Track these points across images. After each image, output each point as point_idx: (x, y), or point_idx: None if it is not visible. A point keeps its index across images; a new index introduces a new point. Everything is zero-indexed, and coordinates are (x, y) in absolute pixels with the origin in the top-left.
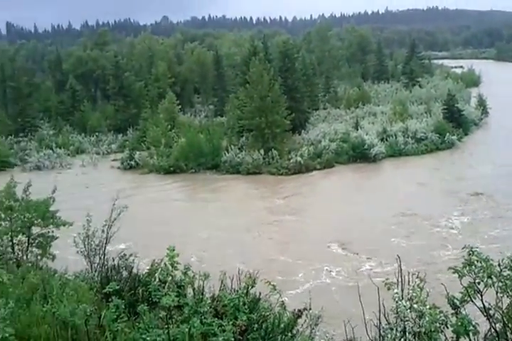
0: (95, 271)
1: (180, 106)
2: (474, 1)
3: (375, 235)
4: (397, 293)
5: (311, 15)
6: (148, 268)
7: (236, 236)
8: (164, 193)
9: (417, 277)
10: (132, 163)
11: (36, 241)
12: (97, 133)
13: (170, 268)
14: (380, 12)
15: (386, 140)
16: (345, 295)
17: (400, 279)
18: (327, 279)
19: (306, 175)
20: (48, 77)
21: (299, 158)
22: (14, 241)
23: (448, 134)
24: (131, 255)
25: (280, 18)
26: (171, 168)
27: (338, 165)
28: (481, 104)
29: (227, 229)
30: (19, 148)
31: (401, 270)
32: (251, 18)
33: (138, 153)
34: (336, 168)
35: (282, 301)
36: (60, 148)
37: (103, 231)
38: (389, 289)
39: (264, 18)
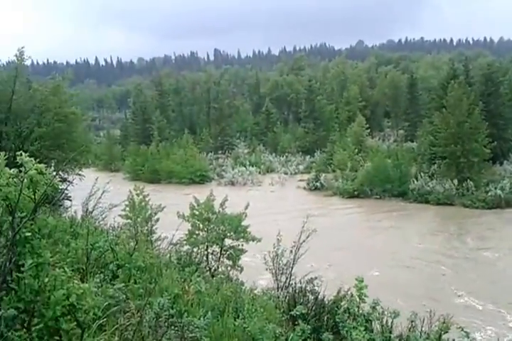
0: (281, 290)
1: (368, 130)
2: None
3: None
4: None
5: None
6: (333, 295)
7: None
8: (345, 217)
9: None
10: (318, 184)
11: (227, 252)
12: (286, 154)
13: (357, 299)
14: None
15: None
16: None
17: None
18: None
19: (506, 211)
20: (246, 100)
21: (499, 191)
22: (209, 251)
23: None
24: (315, 278)
25: (485, 38)
26: (355, 192)
27: None
28: None
29: (389, 264)
30: (217, 164)
31: None
32: (451, 40)
33: (323, 174)
34: None
35: None
36: (252, 166)
37: (291, 251)
38: None
39: (467, 39)
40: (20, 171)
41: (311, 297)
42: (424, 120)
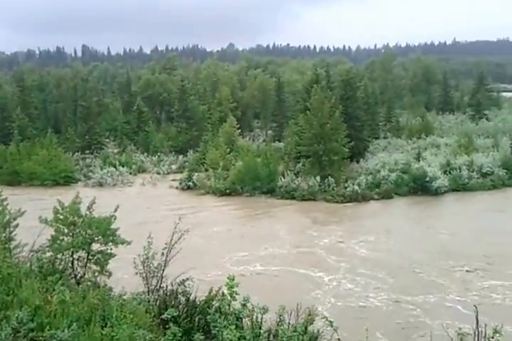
0: (152, 294)
1: (239, 130)
2: None
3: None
4: None
5: (375, 45)
6: (205, 295)
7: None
8: (216, 215)
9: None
10: (190, 183)
11: (95, 257)
12: (159, 154)
13: (229, 297)
14: (448, 43)
15: (449, 173)
16: None
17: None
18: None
19: (362, 204)
20: (116, 98)
21: (356, 187)
22: (74, 257)
23: None
24: (187, 279)
25: (344, 47)
26: (227, 191)
27: (396, 197)
28: None
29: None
30: (84, 165)
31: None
32: (314, 47)
33: (196, 174)
34: (395, 200)
35: (338, 339)
36: (122, 166)
37: (162, 254)
38: None
39: (328, 47)
40: None
41: (183, 299)
42: (290, 121)
